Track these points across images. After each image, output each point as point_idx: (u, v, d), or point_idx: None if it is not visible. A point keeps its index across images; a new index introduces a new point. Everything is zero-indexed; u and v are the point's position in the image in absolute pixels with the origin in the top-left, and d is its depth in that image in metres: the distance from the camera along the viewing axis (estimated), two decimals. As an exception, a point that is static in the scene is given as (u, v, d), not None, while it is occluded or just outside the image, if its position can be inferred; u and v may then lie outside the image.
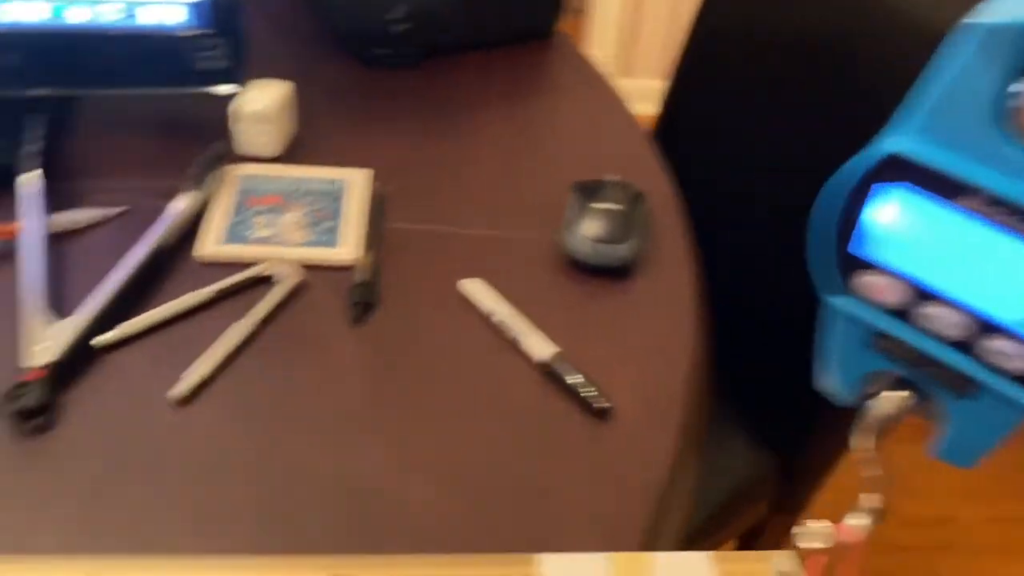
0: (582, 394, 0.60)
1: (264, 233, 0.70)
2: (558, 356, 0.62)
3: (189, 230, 0.70)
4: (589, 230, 0.70)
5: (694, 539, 0.90)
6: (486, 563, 0.48)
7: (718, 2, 0.96)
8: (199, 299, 0.65)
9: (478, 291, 0.67)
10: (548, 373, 0.62)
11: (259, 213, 0.72)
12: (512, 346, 0.64)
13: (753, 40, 0.91)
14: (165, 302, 0.64)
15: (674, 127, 1.04)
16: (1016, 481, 1.54)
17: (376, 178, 0.76)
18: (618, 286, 0.70)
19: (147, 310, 0.64)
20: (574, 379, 0.61)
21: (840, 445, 0.95)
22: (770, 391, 0.96)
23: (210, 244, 0.69)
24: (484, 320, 0.66)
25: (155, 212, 0.70)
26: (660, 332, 0.67)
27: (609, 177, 0.75)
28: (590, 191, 0.73)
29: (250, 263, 0.68)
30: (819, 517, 0.36)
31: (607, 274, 0.70)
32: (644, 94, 1.11)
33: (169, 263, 0.68)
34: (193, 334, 0.63)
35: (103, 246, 0.67)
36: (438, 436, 0.58)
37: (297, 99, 0.80)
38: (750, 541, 1.04)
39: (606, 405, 0.59)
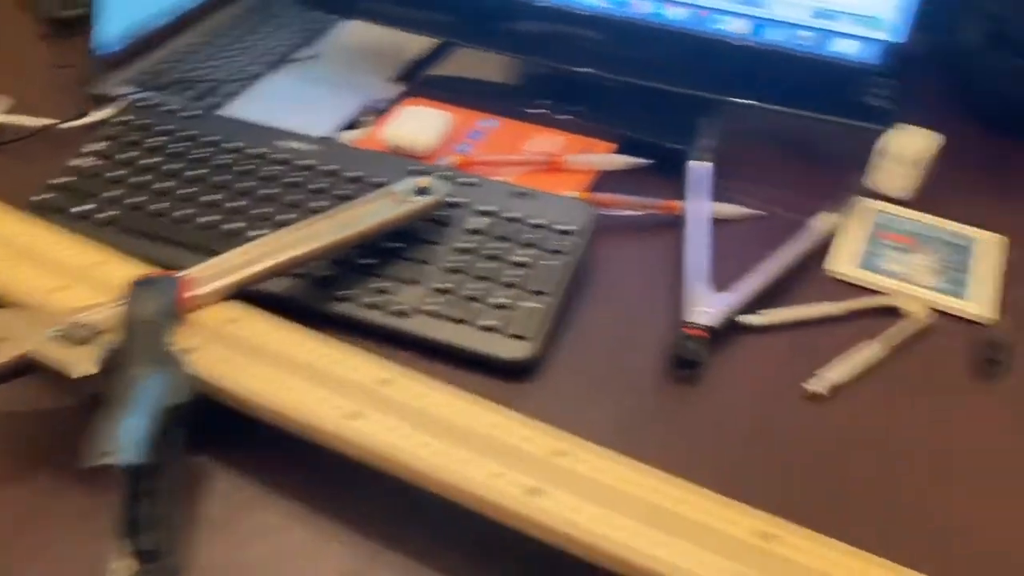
0: None
1: (895, 267, 0.72)
2: None
3: (823, 247, 0.74)
4: None
5: None
6: None
7: None
8: (835, 310, 0.68)
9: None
10: None
11: (891, 248, 0.74)
12: None
13: None
14: (796, 304, 0.68)
15: None
16: None
17: (1010, 247, 0.75)
18: None
19: (782, 307, 0.68)
20: None
21: None
22: None
23: (844, 263, 0.72)
24: None
25: (795, 223, 0.74)
26: None
27: None
28: None
29: (877, 291, 0.70)
30: None
31: None
32: None
33: (804, 272, 0.72)
34: (823, 340, 0.66)
35: (751, 240, 0.73)
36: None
37: (941, 152, 0.81)
38: None
39: None
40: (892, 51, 0.77)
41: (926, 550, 0.49)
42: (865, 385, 0.63)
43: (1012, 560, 0.53)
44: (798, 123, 0.87)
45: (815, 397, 0.62)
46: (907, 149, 0.78)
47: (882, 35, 0.77)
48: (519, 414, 0.53)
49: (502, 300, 0.64)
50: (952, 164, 0.84)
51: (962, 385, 0.64)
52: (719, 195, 0.77)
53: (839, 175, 0.80)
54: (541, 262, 0.67)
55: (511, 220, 0.70)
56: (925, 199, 0.80)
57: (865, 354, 0.64)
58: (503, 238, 0.69)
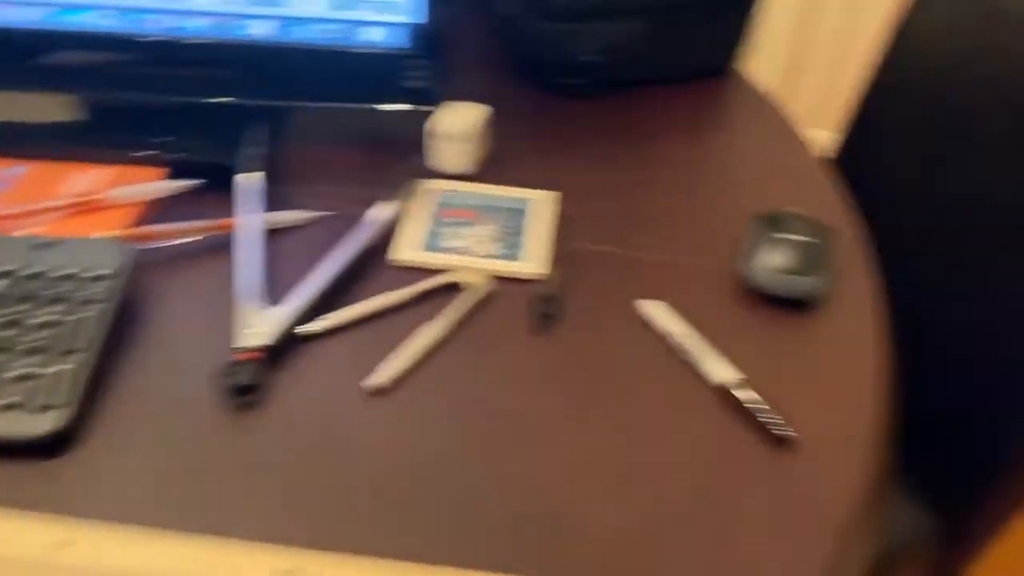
0: (764, 421, 0.59)
1: (456, 243, 0.73)
2: (741, 382, 0.61)
3: (386, 236, 0.73)
4: (773, 260, 0.69)
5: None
6: None
7: (907, 48, 0.94)
8: (397, 299, 0.67)
9: (657, 312, 0.67)
10: (726, 398, 0.61)
11: (452, 225, 0.74)
12: (688, 369, 0.64)
13: (945, 75, 0.88)
14: (363, 300, 0.67)
15: (858, 159, 1.01)
16: None
17: (562, 200, 0.78)
18: (800, 320, 0.68)
19: (347, 306, 0.67)
20: (755, 405, 0.60)
21: (1013, 510, 0.90)
22: (937, 445, 0.91)
23: (407, 250, 0.72)
24: (661, 342, 0.66)
25: (357, 218, 0.73)
26: (845, 371, 0.65)
27: (791, 209, 0.74)
28: (774, 222, 0.72)
29: (441, 270, 0.70)
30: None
31: (789, 306, 0.69)
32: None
33: (368, 265, 0.71)
34: (388, 332, 0.65)
35: (311, 245, 0.71)
36: (613, 452, 0.58)
37: (491, 122, 0.82)
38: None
39: (790, 433, 0.58)
40: (418, 32, 0.78)
41: (510, 525, 0.49)
42: (431, 367, 0.63)
43: (589, 524, 0.55)
44: (353, 117, 0.86)
45: (378, 392, 0.61)
46: (456, 125, 0.79)
47: (404, 18, 0.77)
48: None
49: (25, 371, 0.58)
50: (509, 131, 0.86)
51: (524, 344, 0.66)
52: (278, 204, 0.74)
53: (401, 162, 0.80)
54: (71, 317, 0.61)
55: (32, 277, 0.63)
56: (488, 171, 0.82)
57: (425, 336, 0.64)
58: (24, 299, 0.62)
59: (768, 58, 2.13)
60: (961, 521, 0.92)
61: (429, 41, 0.78)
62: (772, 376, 0.63)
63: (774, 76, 2.16)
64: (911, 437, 0.91)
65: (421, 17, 0.77)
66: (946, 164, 0.89)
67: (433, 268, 0.71)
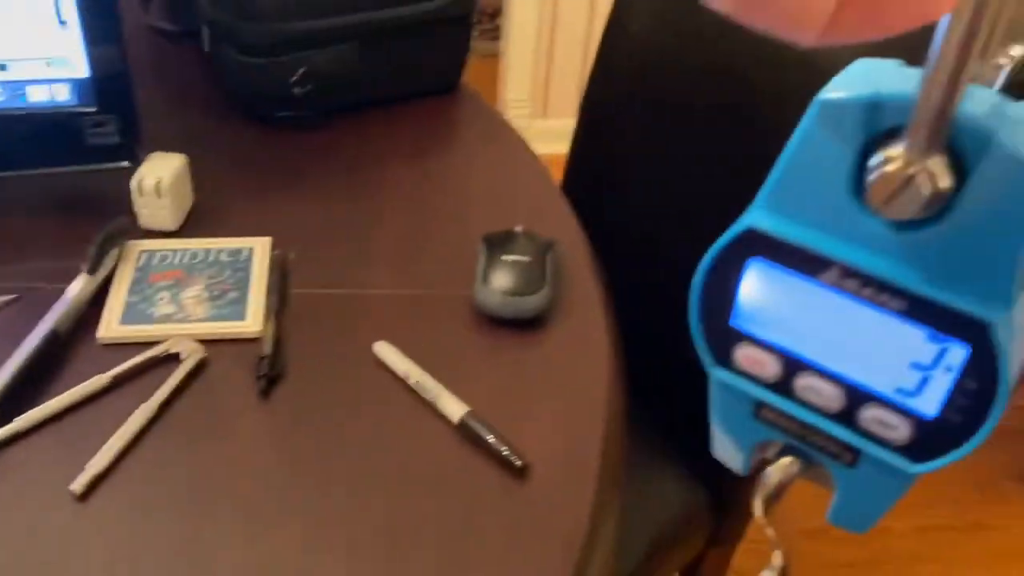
0: (497, 452, 0.59)
1: (167, 310, 0.68)
2: (471, 415, 0.61)
3: (91, 311, 0.67)
4: (499, 283, 0.69)
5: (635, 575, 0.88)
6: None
7: (618, 41, 0.97)
8: (98, 385, 0.62)
9: (391, 354, 0.66)
10: (465, 433, 0.61)
11: (161, 289, 0.70)
12: (429, 408, 0.63)
13: (655, 78, 0.92)
14: (67, 388, 0.62)
15: (585, 168, 1.04)
16: (944, 488, 1.56)
17: (280, 244, 0.75)
18: (532, 338, 0.69)
19: (48, 398, 0.61)
20: (489, 438, 0.59)
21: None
22: (697, 425, 0.96)
23: (111, 325, 0.66)
24: (399, 383, 0.64)
25: (55, 296, 0.67)
26: (576, 382, 0.66)
27: (517, 228, 0.74)
28: (499, 243, 0.72)
29: (155, 342, 0.65)
30: (756, 546, 0.35)
31: (520, 326, 0.69)
32: (561, 134, 1.11)
33: (69, 348, 0.65)
34: (96, 421, 0.60)
35: (14, 329, 0.64)
36: (354, 509, 0.56)
37: (197, 169, 0.78)
38: (690, 575, 1.03)
39: (522, 463, 0.58)
40: (93, 87, 0.72)
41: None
42: (147, 453, 0.59)
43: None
44: (44, 184, 0.79)
45: (89, 490, 0.56)
46: (153, 178, 0.74)
47: (71, 73, 0.71)
48: None
49: None
50: (222, 176, 0.82)
51: (248, 411, 0.62)
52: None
53: (103, 226, 0.74)
54: None
55: None
56: (199, 222, 0.77)
57: (139, 419, 0.60)
58: None
59: (519, 53, 2.17)
60: (726, 491, 0.97)
61: (108, 93, 0.72)
62: (509, 402, 0.63)
63: (525, 71, 2.20)
64: (671, 422, 0.95)
65: (90, 71, 0.71)
66: (667, 152, 0.93)
67: (145, 341, 0.66)
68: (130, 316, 0.67)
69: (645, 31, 0.96)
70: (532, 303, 0.69)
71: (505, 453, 0.59)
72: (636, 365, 0.73)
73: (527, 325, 0.69)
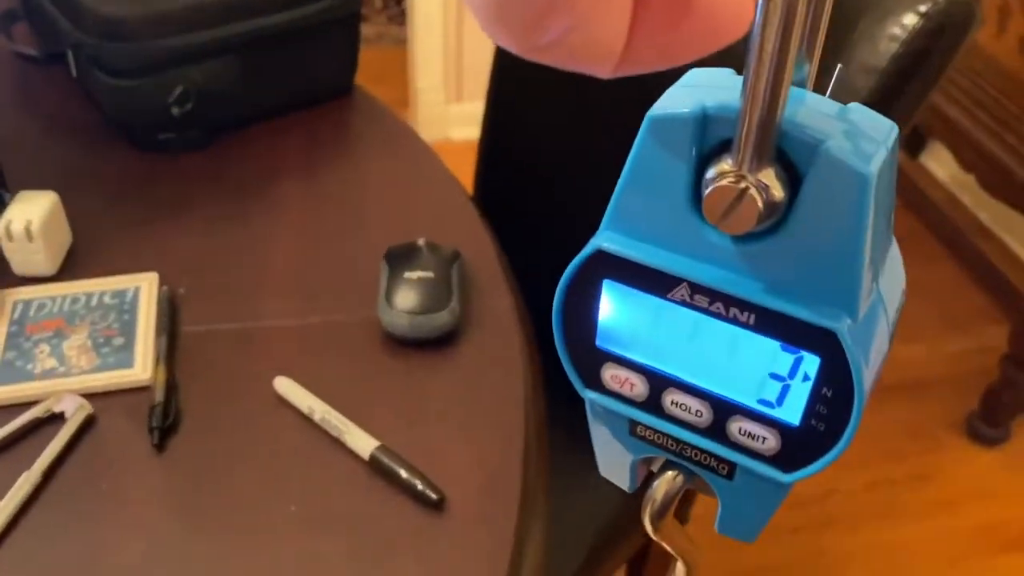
0: (411, 487, 0.59)
1: (49, 364, 0.67)
2: (381, 449, 0.61)
3: (-40, 375, 0.66)
4: (404, 302, 0.70)
5: (579, 574, 0.90)
6: None
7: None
8: (-25, 454, 0.61)
9: (292, 390, 0.66)
10: (377, 468, 0.61)
11: (40, 341, 0.69)
12: (337, 444, 0.63)
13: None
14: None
15: (497, 152, 1.05)
16: (887, 441, 1.63)
17: (167, 279, 0.74)
18: (442, 358, 0.70)
19: (-84, 476, 0.60)
20: (402, 472, 0.60)
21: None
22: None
23: (-16, 387, 0.66)
24: (304, 420, 0.65)
25: (-83, 361, 0.66)
26: (490, 401, 0.67)
27: (420, 240, 0.75)
28: (403, 258, 0.73)
29: (36, 401, 0.65)
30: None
31: (430, 346, 0.70)
32: (476, 118, 1.11)
33: (-61, 417, 0.64)
34: (-27, 495, 0.59)
35: None
36: (262, 563, 0.56)
37: (72, 205, 0.77)
38: (637, 565, 1.06)
39: (437, 496, 0.59)
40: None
41: None
42: (32, 524, 0.58)
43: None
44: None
45: (-30, 577, 0.55)
46: (21, 221, 0.73)
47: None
48: None
49: None
50: (100, 210, 0.81)
51: (142, 467, 0.62)
52: None
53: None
54: None
55: None
56: (78, 264, 0.76)
57: (22, 488, 0.59)
58: None
59: (426, 37, 2.18)
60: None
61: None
62: (421, 430, 0.64)
63: (435, 56, 2.21)
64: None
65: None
66: (579, 129, 0.94)
67: (24, 401, 0.65)
68: (6, 375, 0.66)
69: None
70: (439, 321, 0.69)
71: (420, 487, 0.59)
72: (557, 360, 0.75)
73: (436, 344, 0.70)
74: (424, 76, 2.23)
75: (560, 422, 0.70)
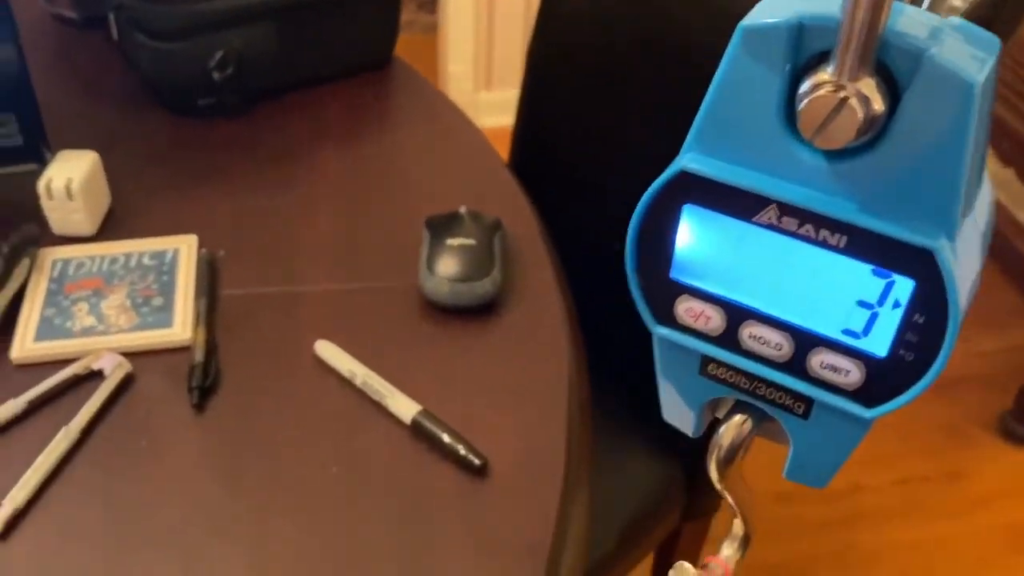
0: (454, 452, 0.59)
1: (87, 322, 0.67)
2: (423, 413, 0.61)
3: (1, 330, 0.66)
4: (445, 270, 0.69)
5: (609, 558, 0.89)
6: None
7: (557, 4, 0.97)
8: (11, 412, 0.61)
9: (335, 354, 0.66)
10: (418, 433, 0.61)
11: (79, 300, 0.69)
12: (378, 408, 0.63)
13: (596, 43, 0.92)
14: (-23, 417, 0.61)
15: (531, 139, 1.04)
16: (917, 439, 1.61)
17: (207, 242, 0.74)
18: (484, 326, 0.69)
19: (-43, 427, 0.60)
20: (444, 437, 0.60)
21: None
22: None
23: (25, 343, 0.66)
24: (345, 385, 0.64)
25: (-42, 315, 0.66)
26: (534, 370, 0.66)
27: (462, 209, 0.74)
28: (444, 226, 0.73)
29: (75, 358, 0.65)
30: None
31: (471, 314, 0.69)
32: (508, 106, 1.11)
33: (-18, 371, 0.64)
34: (18, 447, 0.59)
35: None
36: (302, 527, 0.56)
37: (112, 166, 0.77)
38: (667, 551, 1.04)
39: (480, 461, 0.58)
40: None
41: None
42: (73, 480, 0.58)
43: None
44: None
45: (11, 524, 0.55)
46: (62, 180, 0.73)
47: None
48: None
49: None
50: (141, 172, 0.81)
51: (182, 427, 0.62)
52: None
53: (11, 235, 0.73)
54: None
55: None
56: (118, 225, 0.77)
57: (62, 444, 0.59)
58: None
59: (458, 24, 2.17)
60: (699, 463, 0.98)
61: (4, 93, 0.71)
62: (463, 396, 0.63)
63: (466, 43, 2.20)
64: (639, 398, 0.95)
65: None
66: (607, 127, 0.93)
67: (64, 359, 0.65)
68: (46, 332, 0.67)
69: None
70: (481, 289, 0.69)
71: (463, 452, 0.59)
72: (596, 338, 0.74)
73: (478, 312, 0.69)
74: (455, 62, 2.22)
75: (593, 404, 0.69)
